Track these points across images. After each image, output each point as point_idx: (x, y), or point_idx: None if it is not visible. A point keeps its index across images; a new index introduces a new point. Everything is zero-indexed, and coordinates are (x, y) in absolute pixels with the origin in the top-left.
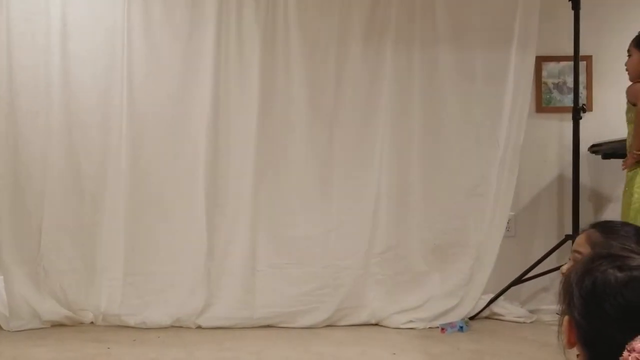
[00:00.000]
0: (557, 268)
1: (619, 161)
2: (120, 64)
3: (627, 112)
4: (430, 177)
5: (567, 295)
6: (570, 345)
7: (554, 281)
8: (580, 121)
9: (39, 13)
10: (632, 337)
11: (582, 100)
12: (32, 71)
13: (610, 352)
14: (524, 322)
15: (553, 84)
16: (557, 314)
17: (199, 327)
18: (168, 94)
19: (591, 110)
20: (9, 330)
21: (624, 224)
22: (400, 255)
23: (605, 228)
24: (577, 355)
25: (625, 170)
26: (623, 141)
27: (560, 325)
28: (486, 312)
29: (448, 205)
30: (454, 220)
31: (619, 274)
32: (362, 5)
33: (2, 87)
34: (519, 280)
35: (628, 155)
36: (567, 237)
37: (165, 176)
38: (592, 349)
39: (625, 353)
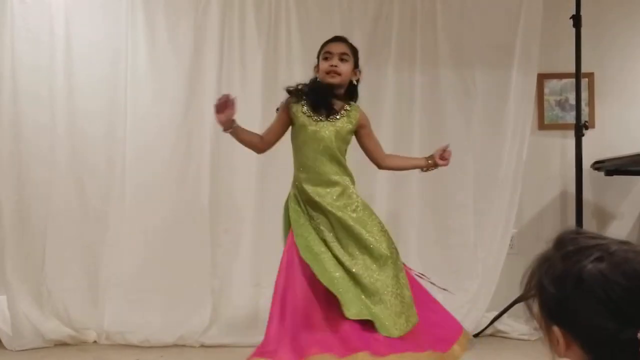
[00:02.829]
0: None
1: (622, 178)
2: (123, 83)
3: None
4: (431, 195)
5: (546, 305)
6: (565, 354)
7: None
8: (583, 138)
9: (43, 33)
10: (635, 326)
11: (585, 117)
12: (36, 89)
13: (619, 347)
14: (528, 340)
15: (555, 101)
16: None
17: (203, 345)
18: (172, 112)
19: (593, 127)
20: (12, 350)
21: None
22: None
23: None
24: None
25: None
26: (626, 158)
27: (547, 337)
28: (490, 330)
29: (449, 223)
30: (456, 237)
31: (601, 265)
32: (363, 24)
33: (5, 105)
34: (521, 297)
35: None
36: None
37: (169, 194)
38: (597, 349)
39: None
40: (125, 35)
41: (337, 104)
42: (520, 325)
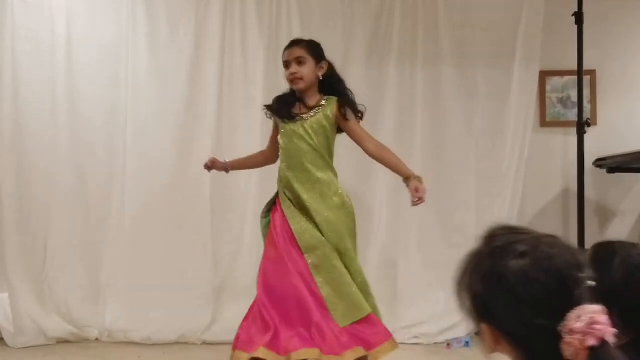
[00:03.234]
0: None
1: (625, 175)
2: (125, 81)
3: None
4: (433, 192)
5: (475, 303)
6: (495, 350)
7: None
8: (585, 135)
9: (43, 31)
10: (558, 319)
11: (587, 114)
12: (37, 90)
13: (542, 340)
14: None
15: (557, 98)
16: (477, 334)
17: (205, 342)
18: (173, 111)
19: (595, 124)
20: (14, 347)
21: None
22: (404, 270)
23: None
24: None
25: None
26: (628, 155)
27: (480, 335)
28: None
29: (451, 220)
30: (458, 235)
31: (522, 262)
32: (365, 22)
33: (7, 105)
34: None
35: None
36: None
37: (171, 193)
38: (524, 344)
39: (567, 337)
40: (127, 34)
41: (311, 100)
42: None
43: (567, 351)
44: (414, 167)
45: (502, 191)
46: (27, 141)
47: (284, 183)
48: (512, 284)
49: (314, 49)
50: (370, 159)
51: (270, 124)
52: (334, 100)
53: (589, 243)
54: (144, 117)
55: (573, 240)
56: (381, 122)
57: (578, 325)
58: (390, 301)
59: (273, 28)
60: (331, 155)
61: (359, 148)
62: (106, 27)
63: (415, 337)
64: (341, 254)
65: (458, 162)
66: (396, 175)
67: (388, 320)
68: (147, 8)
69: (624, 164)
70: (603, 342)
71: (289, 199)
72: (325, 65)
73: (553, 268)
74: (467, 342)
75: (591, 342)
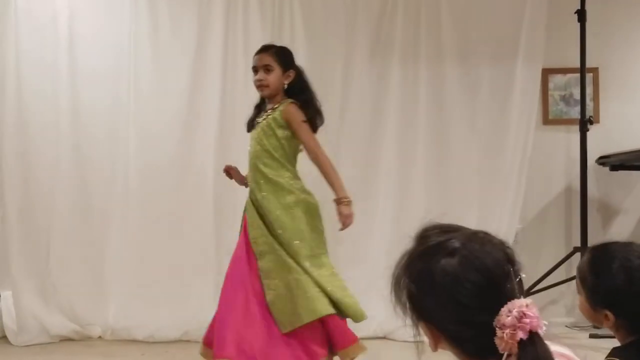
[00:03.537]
0: (566, 281)
1: (627, 173)
2: (127, 78)
3: None
4: (435, 190)
5: (411, 303)
6: (437, 348)
7: (563, 294)
8: (587, 133)
9: (47, 27)
10: (492, 315)
11: (589, 112)
12: (40, 87)
13: (480, 337)
14: None
15: (560, 96)
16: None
17: None
18: (176, 108)
19: (598, 122)
20: (17, 345)
21: None
22: None
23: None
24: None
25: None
26: (631, 153)
27: (417, 334)
28: None
29: (454, 218)
30: None
31: (452, 261)
32: (368, 21)
33: (10, 103)
34: (527, 293)
35: None
36: (575, 250)
37: (174, 190)
38: (462, 341)
39: (498, 332)
40: (129, 29)
41: (272, 104)
42: None
43: (499, 346)
44: (417, 165)
45: (504, 189)
46: (30, 139)
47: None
48: (443, 283)
49: (283, 57)
50: (373, 157)
51: None
52: (287, 102)
53: (591, 241)
54: (147, 115)
55: (576, 238)
56: (384, 120)
57: (508, 319)
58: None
59: (276, 27)
60: (287, 156)
61: (361, 147)
62: (109, 25)
63: (418, 334)
64: (295, 253)
65: (461, 160)
66: (399, 172)
67: (390, 317)
68: (150, 6)
69: (627, 162)
70: (532, 335)
71: (252, 200)
72: (292, 74)
73: (482, 265)
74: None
75: (520, 335)
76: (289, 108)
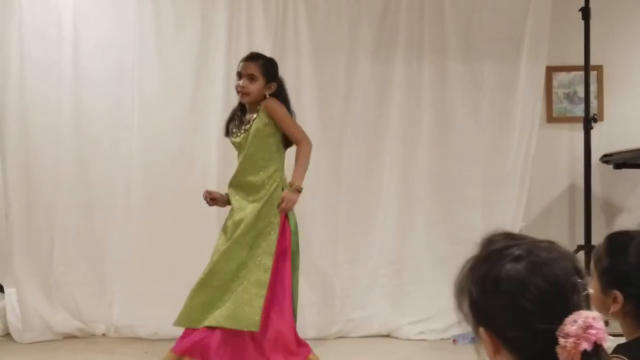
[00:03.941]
0: None
1: (631, 171)
2: (130, 78)
3: None
4: (439, 188)
5: (473, 307)
6: (496, 355)
7: None
8: (592, 131)
9: (50, 27)
10: (556, 323)
11: (593, 110)
12: (43, 86)
13: (541, 345)
14: None
15: (564, 93)
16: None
17: None
18: (179, 107)
19: (602, 120)
20: (21, 343)
21: None
22: (409, 266)
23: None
24: None
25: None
26: (635, 151)
27: (476, 339)
28: None
29: (457, 216)
30: (464, 231)
31: (518, 266)
32: (371, 17)
33: (14, 102)
34: None
35: None
36: (579, 248)
37: (176, 189)
38: (521, 349)
39: (561, 341)
40: (133, 29)
41: (250, 114)
42: None
43: (561, 355)
44: (420, 161)
45: (508, 187)
46: (33, 137)
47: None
48: (507, 288)
49: (268, 69)
50: (376, 154)
51: None
52: (264, 102)
53: (595, 239)
54: (150, 113)
55: (579, 236)
56: (387, 116)
57: (573, 329)
58: (396, 297)
59: (279, 24)
60: (270, 152)
61: (364, 144)
62: (113, 23)
63: (422, 332)
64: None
65: (464, 157)
66: (401, 170)
67: (392, 316)
68: (153, 4)
69: (631, 160)
70: (597, 347)
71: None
72: (273, 86)
73: (550, 273)
74: (473, 338)
75: (585, 346)
76: (269, 103)
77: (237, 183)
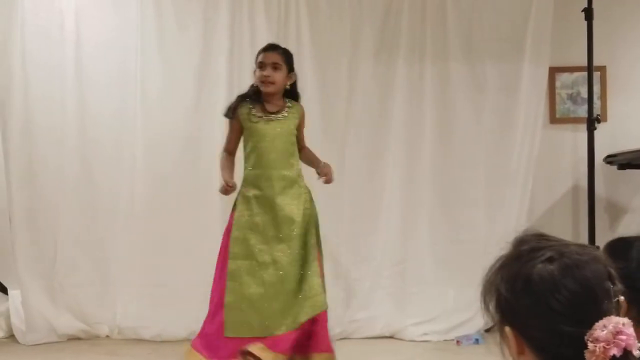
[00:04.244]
0: None
1: (635, 172)
2: (134, 78)
3: None
4: (442, 190)
5: (499, 306)
6: (519, 355)
7: None
8: (595, 132)
9: (53, 27)
10: (585, 327)
11: (597, 110)
12: (46, 86)
13: (567, 348)
14: None
15: (567, 94)
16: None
17: None
18: (182, 108)
19: (605, 120)
20: (25, 344)
21: None
22: (413, 267)
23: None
24: None
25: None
26: (638, 151)
27: (502, 338)
28: None
29: (460, 218)
30: (467, 232)
31: (550, 267)
32: (373, 19)
33: (17, 102)
34: None
35: None
36: None
37: (180, 189)
38: (547, 351)
39: (590, 345)
40: (136, 29)
41: (276, 104)
42: None
43: (589, 359)
44: (423, 163)
45: (511, 188)
46: (36, 137)
47: (252, 182)
48: (538, 288)
49: (289, 59)
50: (378, 155)
51: None
52: (298, 104)
53: (599, 240)
54: (153, 113)
55: (583, 237)
56: (390, 118)
57: (603, 334)
58: (399, 298)
59: (281, 24)
60: (295, 150)
61: (366, 145)
62: (115, 23)
63: (425, 334)
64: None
65: (467, 158)
66: (404, 171)
67: (398, 317)
68: (155, 5)
69: (635, 160)
70: (626, 353)
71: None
72: (294, 77)
73: (581, 275)
74: (477, 340)
75: (614, 351)
76: (303, 110)
77: (269, 176)
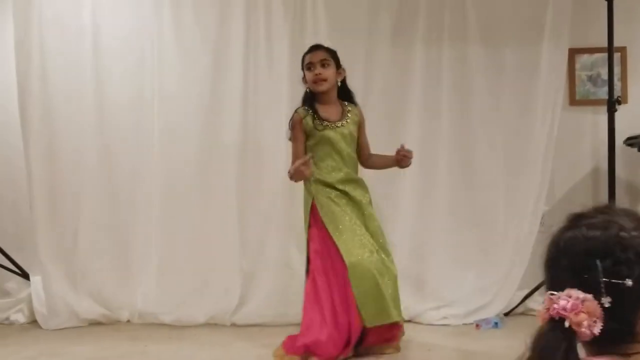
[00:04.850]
0: None
1: None
2: (150, 64)
3: None
4: (461, 173)
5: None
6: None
7: None
8: (615, 114)
9: (70, 17)
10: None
11: (617, 92)
12: (64, 74)
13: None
14: None
15: (586, 76)
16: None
17: (234, 324)
18: (199, 94)
19: (626, 102)
20: (47, 329)
21: None
22: (431, 251)
23: None
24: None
25: None
26: None
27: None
28: (521, 308)
29: (479, 201)
30: (486, 215)
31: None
32: (391, 2)
33: (36, 90)
34: None
35: None
36: None
37: (198, 175)
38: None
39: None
40: (152, 17)
41: (336, 108)
42: None
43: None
44: (441, 146)
45: (530, 171)
46: (56, 125)
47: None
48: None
49: (335, 55)
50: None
51: (296, 96)
52: (355, 107)
53: None
54: (170, 99)
55: None
56: (407, 101)
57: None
58: (418, 282)
59: (298, 10)
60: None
61: (384, 130)
62: (132, 10)
63: (444, 317)
64: None
65: (486, 141)
66: (423, 156)
67: (417, 301)
68: None
69: None
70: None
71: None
72: (343, 72)
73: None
74: (496, 323)
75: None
76: (361, 111)
77: (341, 179)
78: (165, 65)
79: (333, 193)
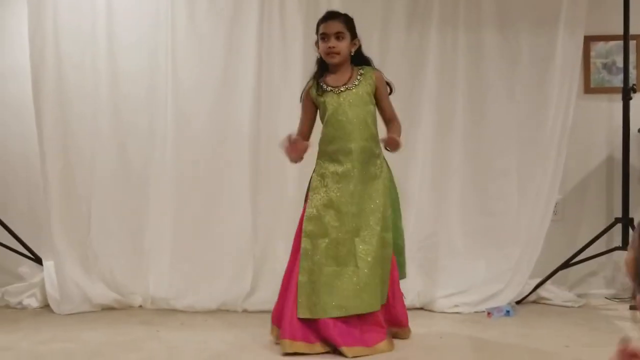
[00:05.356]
0: (606, 252)
1: None
2: (164, 52)
3: None
4: (474, 161)
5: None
6: None
7: (603, 265)
8: (631, 102)
9: (84, 4)
10: None
11: (632, 80)
12: (78, 57)
13: None
14: (572, 307)
15: (602, 64)
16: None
17: (245, 310)
18: (212, 82)
19: None
20: (60, 314)
21: None
22: (444, 239)
23: None
24: None
25: None
26: None
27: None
28: (533, 297)
29: (493, 189)
30: (499, 204)
31: None
32: None
33: (50, 75)
34: (566, 264)
35: None
36: (617, 221)
37: (211, 161)
38: None
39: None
40: (166, 3)
41: (344, 75)
42: (563, 292)
43: None
44: (455, 134)
45: (544, 159)
46: (69, 109)
47: (329, 158)
48: None
49: (351, 25)
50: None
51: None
52: (371, 69)
53: (633, 212)
54: (184, 86)
55: (617, 209)
56: (422, 87)
57: None
58: (430, 270)
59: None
60: (373, 119)
61: (398, 115)
62: (146, 4)
63: (456, 305)
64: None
65: (499, 129)
66: (436, 142)
67: (429, 289)
68: None
69: None
70: None
71: (331, 173)
72: (358, 42)
73: None
74: (508, 312)
75: None
76: (379, 74)
77: (348, 150)
78: (179, 51)
79: (330, 168)
